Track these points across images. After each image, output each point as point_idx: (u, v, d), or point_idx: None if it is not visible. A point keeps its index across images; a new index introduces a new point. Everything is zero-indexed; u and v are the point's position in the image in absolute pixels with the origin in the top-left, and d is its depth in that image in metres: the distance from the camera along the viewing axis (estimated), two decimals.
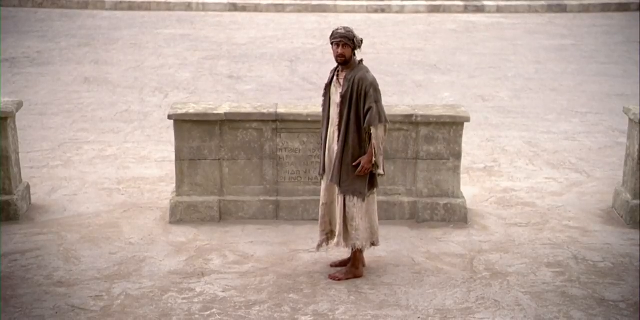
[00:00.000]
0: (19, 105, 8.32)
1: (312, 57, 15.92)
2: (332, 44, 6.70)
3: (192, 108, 8.09)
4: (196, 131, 7.99)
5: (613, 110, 12.20)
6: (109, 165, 9.76)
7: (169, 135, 10.11)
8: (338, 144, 6.71)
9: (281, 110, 8.04)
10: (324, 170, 6.89)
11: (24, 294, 6.64)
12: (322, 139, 6.90)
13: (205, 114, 7.96)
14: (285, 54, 16.29)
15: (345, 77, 6.66)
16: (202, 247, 7.56)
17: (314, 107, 8.14)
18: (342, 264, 7.12)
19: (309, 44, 17.22)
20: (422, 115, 7.97)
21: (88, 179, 9.25)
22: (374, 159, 6.66)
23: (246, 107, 8.20)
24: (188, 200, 8.10)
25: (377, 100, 6.61)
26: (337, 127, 6.71)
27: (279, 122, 7.99)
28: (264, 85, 13.84)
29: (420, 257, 7.39)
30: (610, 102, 12.88)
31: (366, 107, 6.59)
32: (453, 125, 8.02)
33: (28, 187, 8.48)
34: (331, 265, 7.16)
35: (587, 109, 12.51)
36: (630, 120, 8.28)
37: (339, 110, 6.68)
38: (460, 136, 8.09)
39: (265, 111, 8.02)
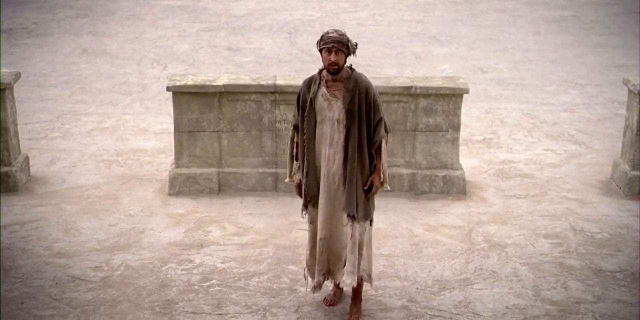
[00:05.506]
0: (17, 76, 8.30)
1: (311, 29, 15.84)
2: (321, 50, 5.55)
3: (190, 80, 8.07)
4: (195, 103, 7.97)
5: (612, 81, 12.17)
6: (108, 137, 9.76)
7: (168, 107, 10.09)
8: (344, 166, 5.69)
9: (280, 82, 8.02)
10: (316, 199, 5.83)
11: (23, 264, 6.67)
12: (306, 164, 5.79)
13: (204, 86, 7.94)
14: (284, 25, 16.21)
15: (345, 87, 5.61)
16: (201, 219, 7.58)
17: None
18: (336, 295, 6.21)
19: (307, 16, 17.14)
20: (421, 87, 7.95)
21: (87, 151, 9.26)
22: (382, 175, 5.81)
23: (245, 79, 8.17)
24: (187, 172, 8.10)
25: (382, 109, 5.79)
26: (341, 147, 5.66)
27: (277, 94, 7.97)
28: (263, 57, 13.79)
29: (419, 229, 7.42)
30: (609, 73, 12.84)
31: (376, 119, 5.70)
32: (452, 97, 8.01)
33: (27, 159, 8.48)
34: (326, 303, 6.18)
35: (587, 81, 12.49)
36: (630, 91, 8.27)
37: (342, 127, 5.64)
38: (459, 108, 8.08)
39: (264, 83, 8.00)
